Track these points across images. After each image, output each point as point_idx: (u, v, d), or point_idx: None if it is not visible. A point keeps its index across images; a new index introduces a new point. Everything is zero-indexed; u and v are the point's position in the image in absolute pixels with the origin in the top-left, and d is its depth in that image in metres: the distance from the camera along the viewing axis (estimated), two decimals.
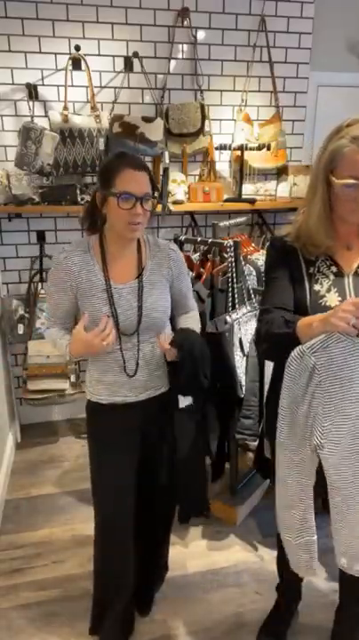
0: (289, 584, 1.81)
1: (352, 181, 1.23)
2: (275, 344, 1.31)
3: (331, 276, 1.35)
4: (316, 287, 1.34)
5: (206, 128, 2.94)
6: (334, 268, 1.35)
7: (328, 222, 1.32)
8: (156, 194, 2.77)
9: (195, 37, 2.88)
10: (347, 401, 1.22)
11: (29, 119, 2.68)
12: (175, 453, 1.69)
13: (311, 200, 1.33)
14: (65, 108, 2.70)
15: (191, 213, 3.10)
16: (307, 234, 1.34)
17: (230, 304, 2.22)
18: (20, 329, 2.87)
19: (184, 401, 1.64)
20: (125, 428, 1.63)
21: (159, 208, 2.75)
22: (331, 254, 1.37)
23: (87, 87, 2.75)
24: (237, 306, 2.21)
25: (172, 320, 1.73)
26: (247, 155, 2.94)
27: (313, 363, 1.19)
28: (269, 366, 1.67)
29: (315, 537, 1.35)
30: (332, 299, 1.32)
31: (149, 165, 3.00)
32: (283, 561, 1.78)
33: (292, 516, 1.34)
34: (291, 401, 1.25)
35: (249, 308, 2.25)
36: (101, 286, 1.53)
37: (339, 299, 1.31)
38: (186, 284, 1.71)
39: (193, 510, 1.84)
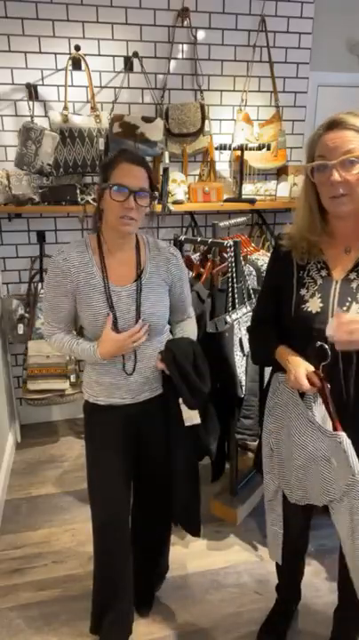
0: (288, 584, 1.81)
1: (319, 162, 1.21)
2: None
3: (319, 281, 1.31)
4: (302, 291, 1.32)
5: (206, 128, 2.94)
6: (324, 272, 1.31)
7: (311, 218, 1.30)
8: (156, 193, 2.78)
9: (195, 37, 2.88)
10: (292, 437, 1.37)
11: (29, 119, 2.68)
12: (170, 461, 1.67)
13: (300, 198, 1.35)
14: (65, 108, 2.70)
15: (191, 213, 3.10)
16: (297, 231, 1.35)
17: (230, 304, 2.22)
18: (20, 329, 2.87)
19: (189, 419, 1.61)
20: (123, 429, 1.62)
21: (159, 208, 2.75)
22: (326, 259, 1.33)
23: (87, 87, 2.75)
24: (237, 306, 2.21)
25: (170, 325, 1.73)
26: (247, 155, 2.94)
27: (278, 383, 1.39)
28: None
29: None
30: (315, 304, 1.29)
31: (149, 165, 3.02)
32: (282, 563, 1.78)
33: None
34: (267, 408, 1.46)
35: (249, 308, 2.25)
36: (100, 288, 1.51)
37: (322, 305, 1.28)
38: (186, 290, 1.68)
39: (186, 526, 1.83)
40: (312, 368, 1.26)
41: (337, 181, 1.19)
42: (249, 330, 1.57)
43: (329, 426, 1.27)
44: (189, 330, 1.73)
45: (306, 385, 1.24)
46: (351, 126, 1.18)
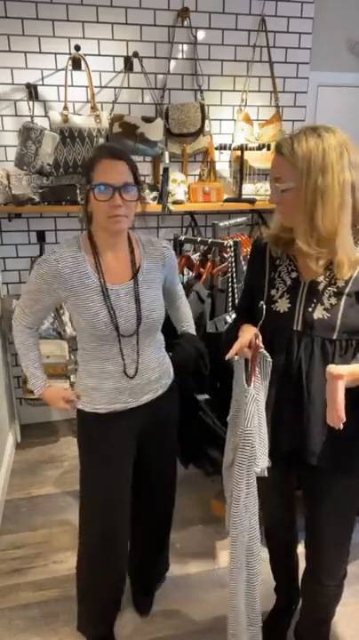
0: (284, 584, 1.81)
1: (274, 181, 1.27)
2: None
3: (289, 282, 1.36)
4: (272, 292, 1.38)
5: (206, 128, 2.93)
6: (294, 274, 1.36)
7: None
8: (156, 193, 2.78)
9: (195, 37, 2.88)
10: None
11: (29, 119, 2.68)
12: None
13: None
14: (65, 107, 2.70)
15: (191, 213, 3.10)
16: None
17: (230, 304, 2.22)
18: None
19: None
20: (124, 433, 1.59)
21: (159, 208, 2.75)
22: (296, 261, 1.37)
23: (87, 87, 2.75)
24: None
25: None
26: (247, 155, 2.94)
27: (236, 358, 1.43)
28: None
29: None
30: (283, 304, 1.35)
31: (149, 165, 3.03)
32: (273, 562, 1.78)
33: None
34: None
35: None
36: (95, 287, 1.47)
37: (289, 305, 1.34)
38: (176, 276, 1.76)
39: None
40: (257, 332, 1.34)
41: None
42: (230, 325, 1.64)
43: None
44: (187, 312, 1.85)
45: (237, 349, 1.33)
46: (286, 154, 1.22)
